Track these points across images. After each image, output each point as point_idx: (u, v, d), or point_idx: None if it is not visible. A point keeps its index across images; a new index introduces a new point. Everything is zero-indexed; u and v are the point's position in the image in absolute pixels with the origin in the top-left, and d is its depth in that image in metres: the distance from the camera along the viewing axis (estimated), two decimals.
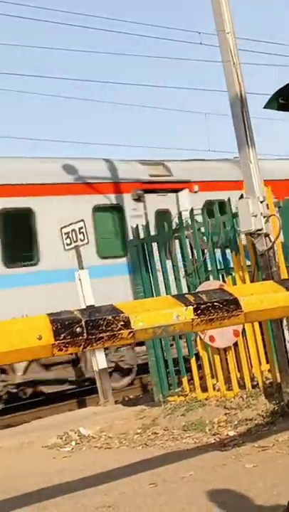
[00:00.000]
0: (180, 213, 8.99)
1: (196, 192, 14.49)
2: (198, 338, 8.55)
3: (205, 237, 8.57)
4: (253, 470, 5.69)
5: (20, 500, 5.92)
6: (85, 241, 10.58)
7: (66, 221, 10.97)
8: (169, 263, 9.05)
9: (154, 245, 9.21)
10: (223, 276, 8.56)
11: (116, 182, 13.68)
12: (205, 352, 8.48)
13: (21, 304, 11.38)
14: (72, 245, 10.59)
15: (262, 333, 8.05)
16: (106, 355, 11.31)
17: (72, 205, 12.76)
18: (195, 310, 3.84)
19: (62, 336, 3.47)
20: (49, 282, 12.23)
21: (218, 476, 5.69)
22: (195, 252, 8.72)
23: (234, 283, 8.14)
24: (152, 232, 9.29)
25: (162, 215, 13.58)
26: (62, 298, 11.15)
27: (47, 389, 12.55)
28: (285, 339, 7.49)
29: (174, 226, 9.09)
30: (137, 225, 9.50)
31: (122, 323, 3.64)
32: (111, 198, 13.65)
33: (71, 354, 6.49)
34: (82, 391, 13.05)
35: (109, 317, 3.63)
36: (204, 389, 8.46)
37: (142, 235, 9.31)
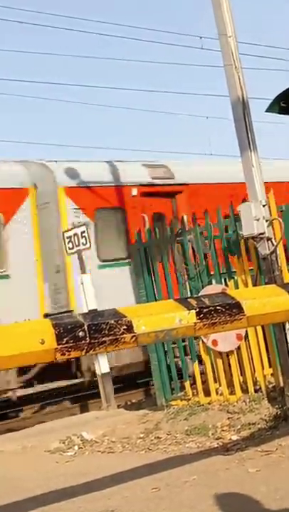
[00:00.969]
0: (182, 217, 8.99)
1: None
2: (200, 342, 8.55)
3: (207, 241, 8.57)
4: (256, 474, 5.68)
5: (23, 504, 5.91)
6: (87, 245, 10.51)
7: None
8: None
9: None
10: (225, 280, 8.55)
11: None
12: (207, 356, 8.48)
13: None
14: (75, 249, 10.57)
15: (264, 337, 8.04)
16: None
17: None
18: (197, 314, 3.83)
19: (65, 340, 3.47)
20: None
21: (221, 480, 5.68)
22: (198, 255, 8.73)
23: (236, 287, 8.14)
24: None
25: None
26: None
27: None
28: (287, 343, 7.48)
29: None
30: (140, 229, 9.50)
31: (125, 327, 3.64)
32: None
33: None
34: (84, 395, 13.05)
35: (112, 321, 3.62)
36: (207, 393, 8.46)
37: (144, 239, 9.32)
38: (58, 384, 13.11)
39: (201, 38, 18.26)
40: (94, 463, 7.24)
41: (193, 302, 3.90)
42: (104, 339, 3.58)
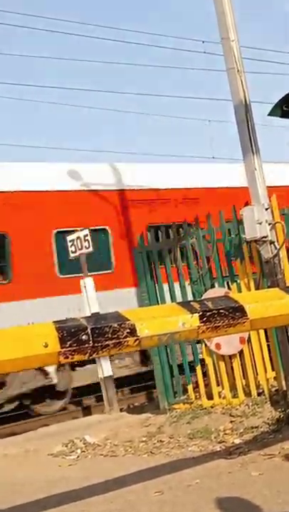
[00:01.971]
0: (185, 221, 8.99)
1: None
2: (203, 345, 8.55)
3: (210, 245, 8.57)
4: (259, 478, 5.67)
5: (25, 508, 5.91)
6: (90, 249, 10.50)
7: None
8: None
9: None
10: (228, 283, 8.55)
11: None
12: (210, 359, 8.47)
13: None
14: (78, 253, 10.57)
15: (267, 341, 8.04)
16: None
17: None
18: (201, 317, 3.84)
19: (69, 343, 3.47)
20: None
21: (223, 484, 5.68)
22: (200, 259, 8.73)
23: (239, 290, 8.14)
24: None
25: None
26: None
27: None
28: None
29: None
30: (142, 233, 9.51)
31: (128, 330, 3.64)
32: None
33: None
34: (87, 399, 13.05)
35: (115, 324, 3.63)
36: (210, 396, 8.45)
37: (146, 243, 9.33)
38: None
39: (203, 42, 18.25)
40: (96, 466, 7.23)
41: (197, 305, 3.90)
42: (107, 342, 3.58)
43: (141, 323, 3.70)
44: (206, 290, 8.50)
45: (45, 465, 7.69)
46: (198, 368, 8.71)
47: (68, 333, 3.50)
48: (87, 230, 10.54)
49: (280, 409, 7.42)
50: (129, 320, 3.68)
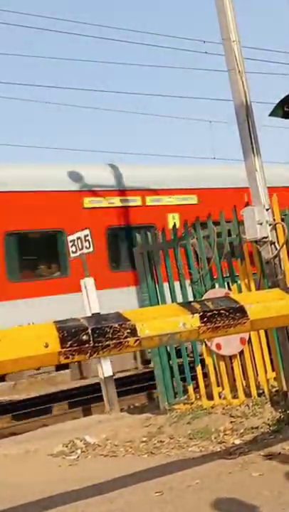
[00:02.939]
0: (186, 221, 8.98)
1: None
2: (203, 346, 8.55)
3: (210, 245, 8.57)
4: (259, 479, 5.67)
5: (25, 508, 5.91)
6: (90, 249, 10.50)
7: None
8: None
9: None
10: (228, 284, 8.55)
11: None
12: (210, 359, 8.47)
13: None
14: (78, 253, 10.56)
15: (267, 341, 8.04)
16: None
17: None
18: (201, 318, 3.84)
19: (69, 343, 3.47)
20: None
21: (224, 484, 5.68)
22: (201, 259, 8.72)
23: (240, 291, 8.14)
24: None
25: None
26: None
27: None
28: None
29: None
30: (143, 233, 9.50)
31: (129, 330, 3.64)
32: None
33: None
34: (87, 399, 13.04)
35: (116, 325, 3.63)
36: (210, 397, 8.45)
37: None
38: None
39: (204, 42, 18.26)
40: (97, 467, 7.23)
41: (197, 306, 3.90)
42: (108, 343, 3.58)
43: (141, 323, 3.70)
44: (206, 291, 8.50)
45: (45, 465, 7.69)
46: (199, 369, 8.71)
47: (69, 333, 3.50)
48: (87, 230, 10.55)
49: (280, 410, 7.43)
50: (129, 320, 3.68)
